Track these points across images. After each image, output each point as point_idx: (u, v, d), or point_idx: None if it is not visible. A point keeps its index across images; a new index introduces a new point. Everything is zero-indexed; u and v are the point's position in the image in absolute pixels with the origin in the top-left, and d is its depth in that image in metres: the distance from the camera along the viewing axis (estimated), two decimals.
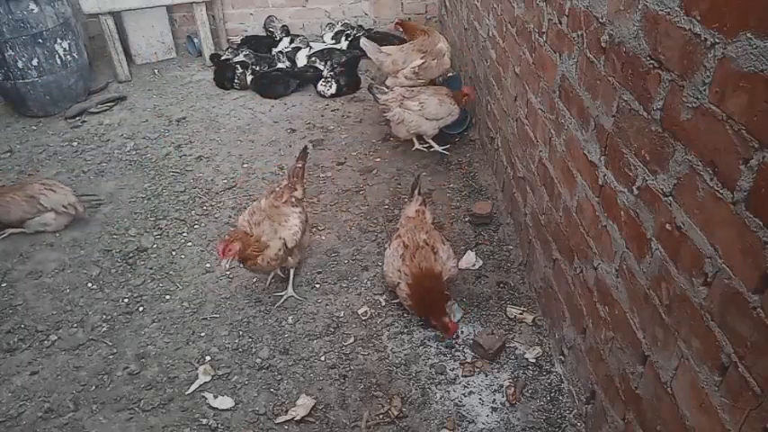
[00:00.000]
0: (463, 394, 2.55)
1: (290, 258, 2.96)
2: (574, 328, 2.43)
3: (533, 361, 2.69)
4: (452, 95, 4.03)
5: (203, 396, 2.58)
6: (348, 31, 6.02)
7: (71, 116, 4.92)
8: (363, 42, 4.70)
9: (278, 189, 3.08)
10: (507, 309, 2.96)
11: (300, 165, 3.21)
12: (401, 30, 4.42)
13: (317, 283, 3.18)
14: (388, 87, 4.14)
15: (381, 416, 2.48)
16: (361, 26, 6.23)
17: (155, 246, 3.47)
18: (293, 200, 3.03)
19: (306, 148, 3.40)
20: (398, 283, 2.80)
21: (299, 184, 3.14)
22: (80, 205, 3.62)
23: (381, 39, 5.70)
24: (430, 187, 3.93)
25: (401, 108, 3.97)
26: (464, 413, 2.47)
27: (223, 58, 5.57)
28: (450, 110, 4.02)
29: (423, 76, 4.35)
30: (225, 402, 2.55)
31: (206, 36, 5.75)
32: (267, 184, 4.00)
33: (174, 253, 3.42)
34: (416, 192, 3.22)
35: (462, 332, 2.83)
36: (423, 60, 4.32)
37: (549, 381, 2.60)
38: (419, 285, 2.74)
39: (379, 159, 4.28)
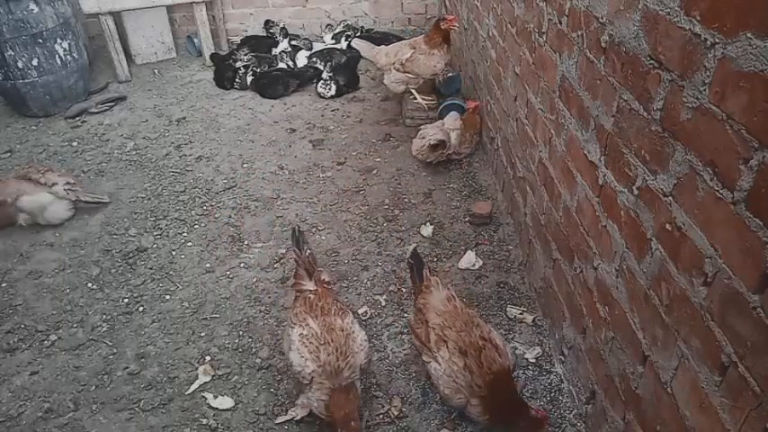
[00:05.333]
0: None
1: None
2: (574, 328, 2.43)
3: (533, 361, 2.69)
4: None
5: (203, 396, 2.58)
6: (349, 33, 6.02)
7: (71, 116, 4.91)
8: (356, 42, 4.74)
9: (314, 299, 2.41)
10: (507, 309, 2.96)
11: (309, 252, 2.63)
12: (448, 23, 4.35)
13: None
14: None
15: (381, 416, 2.48)
16: (362, 27, 6.23)
17: (155, 246, 3.47)
18: (338, 303, 2.45)
19: (297, 230, 2.70)
20: (468, 400, 2.25)
21: (319, 272, 2.58)
22: (81, 191, 3.68)
23: (381, 39, 5.72)
24: (430, 187, 3.94)
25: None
26: (464, 413, 2.46)
27: (227, 62, 5.53)
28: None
29: (410, 68, 4.37)
30: (225, 402, 2.55)
31: (206, 36, 5.75)
32: (267, 183, 4.01)
33: (174, 253, 3.42)
34: (427, 272, 2.57)
35: None
36: (411, 54, 4.35)
37: (549, 381, 2.60)
38: (496, 393, 2.21)
39: (379, 159, 4.28)
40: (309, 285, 2.51)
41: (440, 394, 2.36)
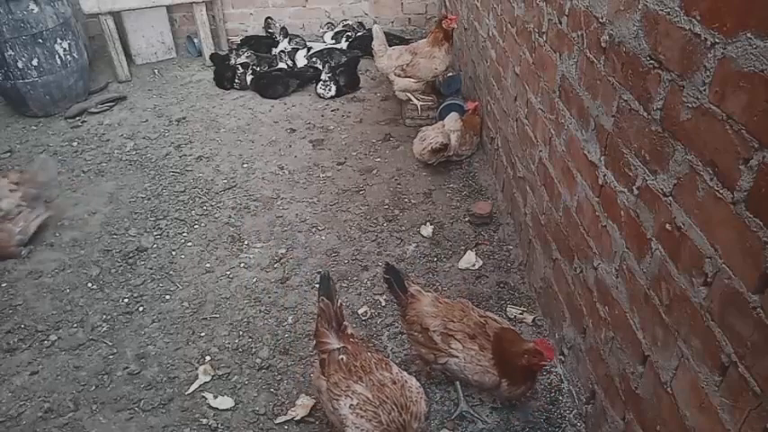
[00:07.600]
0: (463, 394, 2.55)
1: None
2: (574, 328, 2.43)
3: None
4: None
5: (203, 396, 2.58)
6: (349, 33, 6.01)
7: (71, 116, 4.92)
8: (375, 29, 4.66)
9: (349, 360, 2.13)
10: (507, 309, 2.96)
11: (340, 303, 2.30)
12: (449, 22, 4.32)
13: (317, 283, 3.17)
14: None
15: None
16: (362, 23, 6.23)
17: (155, 246, 3.47)
18: (375, 354, 2.19)
19: (327, 275, 2.37)
20: (500, 380, 2.26)
21: (345, 327, 2.28)
22: (29, 181, 3.52)
23: None
24: (430, 187, 3.93)
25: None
26: (464, 413, 2.46)
27: (230, 63, 5.52)
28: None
29: (411, 72, 4.42)
30: (225, 402, 2.55)
31: (206, 36, 5.75)
32: (267, 183, 4.01)
33: (174, 253, 3.42)
34: (409, 281, 2.52)
35: None
36: (411, 59, 4.39)
37: (549, 381, 2.60)
38: (508, 360, 2.23)
39: (379, 159, 4.28)
40: (335, 343, 2.20)
41: (471, 384, 2.37)
